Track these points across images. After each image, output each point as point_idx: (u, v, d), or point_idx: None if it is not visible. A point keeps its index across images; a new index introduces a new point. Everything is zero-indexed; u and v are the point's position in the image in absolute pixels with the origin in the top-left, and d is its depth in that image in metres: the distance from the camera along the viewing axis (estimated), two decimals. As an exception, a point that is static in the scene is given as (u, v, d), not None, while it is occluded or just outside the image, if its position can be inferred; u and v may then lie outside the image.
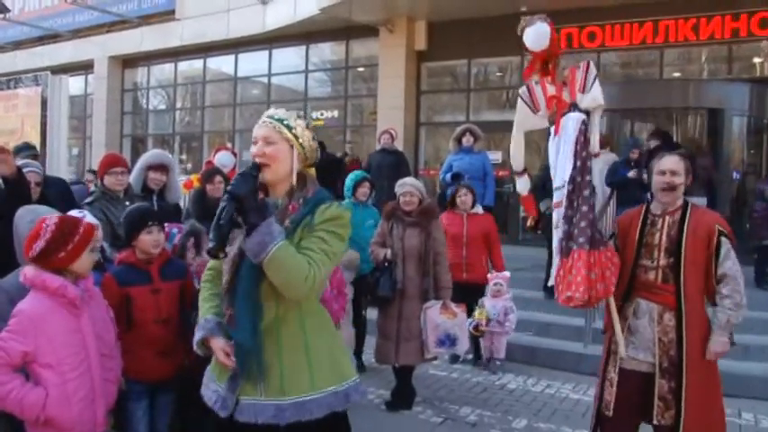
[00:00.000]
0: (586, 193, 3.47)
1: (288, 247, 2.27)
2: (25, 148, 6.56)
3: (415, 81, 13.90)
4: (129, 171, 4.87)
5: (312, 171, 2.62)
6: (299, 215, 2.41)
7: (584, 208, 3.44)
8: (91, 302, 3.00)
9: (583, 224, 3.43)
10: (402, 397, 5.46)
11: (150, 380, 3.50)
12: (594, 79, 3.68)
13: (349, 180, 6.20)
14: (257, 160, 2.44)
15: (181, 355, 3.45)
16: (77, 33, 19.76)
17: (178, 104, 19.15)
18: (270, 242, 2.24)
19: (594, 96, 3.67)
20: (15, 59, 20.62)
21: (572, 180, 3.50)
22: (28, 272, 2.89)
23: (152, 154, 5.40)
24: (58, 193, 4.91)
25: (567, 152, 3.57)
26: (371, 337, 5.79)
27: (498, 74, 13.80)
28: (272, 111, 2.54)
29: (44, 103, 8.01)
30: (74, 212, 3.56)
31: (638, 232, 3.57)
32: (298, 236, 2.37)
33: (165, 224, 3.75)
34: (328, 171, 7.38)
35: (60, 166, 8.26)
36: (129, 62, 19.44)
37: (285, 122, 2.47)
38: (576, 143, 3.50)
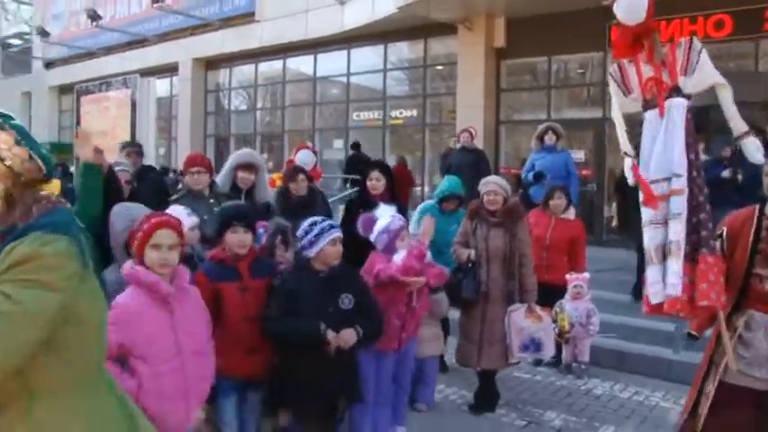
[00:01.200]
0: (705, 190, 3.18)
1: None
2: (130, 145, 6.81)
3: (494, 79, 13.73)
4: (212, 171, 4.95)
5: (48, 188, 1.91)
6: None
7: (703, 213, 3.15)
8: (184, 300, 3.05)
9: (704, 228, 3.15)
10: (485, 399, 5.36)
11: (240, 376, 3.54)
12: (699, 56, 3.20)
13: (438, 191, 6.12)
14: None
15: (270, 353, 3.47)
16: (163, 37, 20.47)
17: (259, 104, 19.58)
18: None
19: (705, 76, 3.21)
20: (107, 64, 21.54)
21: (690, 178, 3.17)
22: (126, 267, 2.99)
23: (241, 153, 5.48)
24: (152, 190, 5.07)
25: (670, 142, 3.25)
26: (453, 338, 5.71)
27: (579, 71, 13.46)
28: None
29: (134, 104, 8.29)
30: (180, 210, 3.68)
31: (751, 238, 3.28)
32: None
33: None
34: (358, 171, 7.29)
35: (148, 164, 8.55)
36: (211, 64, 20.00)
37: None
38: (687, 134, 3.17)
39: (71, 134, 16.66)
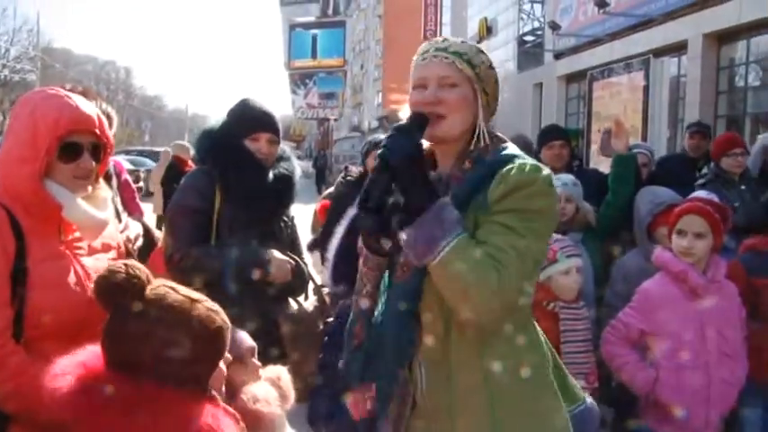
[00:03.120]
0: None
1: (468, 245, 1.52)
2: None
3: None
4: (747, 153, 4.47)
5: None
6: (467, 187, 1.62)
7: None
8: (717, 294, 2.80)
9: None
10: None
11: None
12: None
13: None
14: (425, 110, 1.67)
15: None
16: (670, 15, 19.66)
17: (778, 79, 17.30)
18: (441, 236, 1.50)
19: None
20: (611, 49, 21.78)
21: None
22: (656, 252, 2.89)
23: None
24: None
25: None
26: None
27: None
28: (439, 40, 1.76)
29: (645, 88, 8.13)
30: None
31: None
32: (469, 223, 1.57)
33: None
34: None
35: (660, 149, 8.32)
36: (724, 38, 18.42)
37: (466, 57, 1.69)
38: None
39: (577, 120, 17.36)
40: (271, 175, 2.76)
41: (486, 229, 1.55)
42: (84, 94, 2.22)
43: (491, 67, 1.73)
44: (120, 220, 2.49)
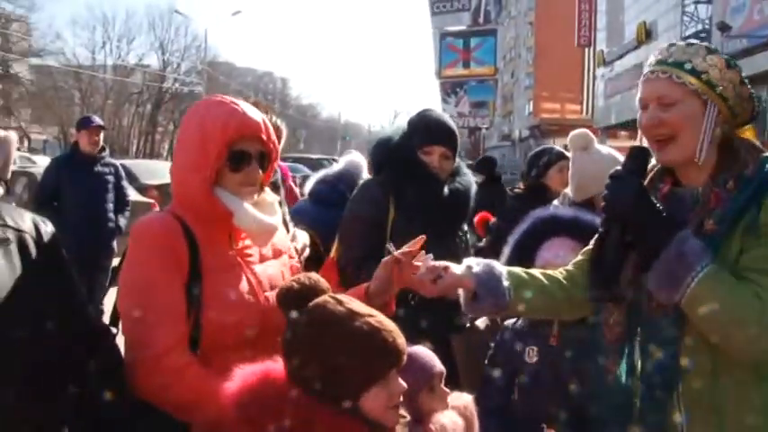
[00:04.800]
0: None
1: (718, 276, 1.39)
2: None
3: None
4: None
5: (749, 133, 1.61)
6: (732, 208, 1.45)
7: None
8: None
9: None
10: None
11: None
12: None
13: None
14: (649, 133, 1.56)
15: None
16: None
17: None
18: (686, 273, 1.39)
19: None
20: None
21: None
22: None
23: None
24: None
25: None
26: None
27: None
28: (664, 48, 1.59)
29: None
30: None
31: None
32: (734, 247, 1.44)
33: None
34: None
35: None
36: None
37: (687, 66, 1.51)
38: None
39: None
40: (446, 189, 2.68)
41: (754, 255, 1.43)
42: (255, 105, 2.27)
43: (730, 65, 1.55)
44: (288, 230, 2.47)
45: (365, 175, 3.71)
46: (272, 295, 1.78)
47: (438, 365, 1.84)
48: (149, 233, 1.75)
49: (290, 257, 2.03)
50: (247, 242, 1.84)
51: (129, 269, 1.73)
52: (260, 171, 1.82)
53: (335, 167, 3.91)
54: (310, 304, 1.45)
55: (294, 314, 1.45)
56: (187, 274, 1.69)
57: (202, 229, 1.74)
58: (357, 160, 3.93)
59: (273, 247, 1.92)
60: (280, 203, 2.60)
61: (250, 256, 1.84)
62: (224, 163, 1.75)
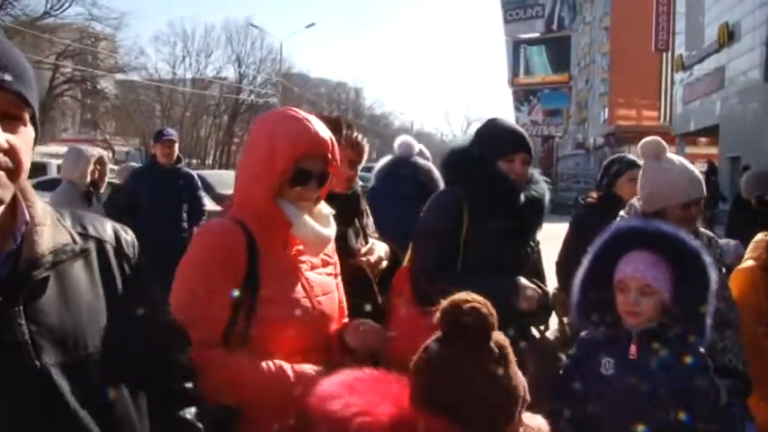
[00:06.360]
0: None
1: None
2: None
3: None
4: None
5: None
6: None
7: None
8: None
9: None
10: None
11: None
12: None
13: None
14: None
15: None
16: None
17: None
18: None
19: None
20: None
21: None
22: None
23: None
24: None
25: None
26: None
27: None
28: None
29: None
30: None
31: None
32: None
33: None
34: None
35: None
36: None
37: None
38: None
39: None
40: (522, 197, 2.64)
41: None
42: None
43: None
44: (366, 241, 2.53)
45: (416, 152, 3.93)
46: (324, 300, 1.89)
47: (526, 395, 1.82)
48: (211, 234, 1.88)
49: (336, 266, 2.08)
50: (300, 248, 1.91)
51: (185, 264, 1.84)
52: (318, 189, 1.89)
53: (384, 161, 4.13)
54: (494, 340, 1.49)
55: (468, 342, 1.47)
56: (244, 276, 1.77)
57: (261, 234, 1.82)
58: (404, 141, 4.10)
59: (322, 256, 1.99)
60: (364, 214, 2.67)
61: (303, 263, 1.91)
62: (287, 177, 1.82)
